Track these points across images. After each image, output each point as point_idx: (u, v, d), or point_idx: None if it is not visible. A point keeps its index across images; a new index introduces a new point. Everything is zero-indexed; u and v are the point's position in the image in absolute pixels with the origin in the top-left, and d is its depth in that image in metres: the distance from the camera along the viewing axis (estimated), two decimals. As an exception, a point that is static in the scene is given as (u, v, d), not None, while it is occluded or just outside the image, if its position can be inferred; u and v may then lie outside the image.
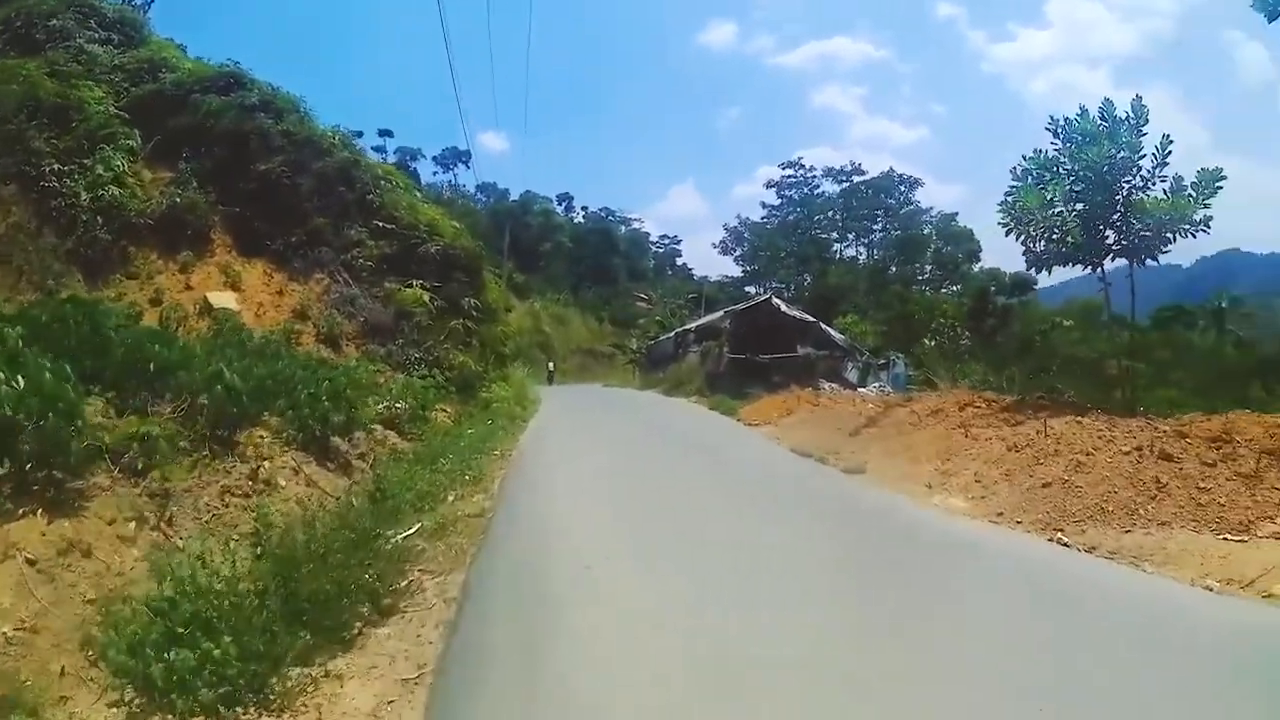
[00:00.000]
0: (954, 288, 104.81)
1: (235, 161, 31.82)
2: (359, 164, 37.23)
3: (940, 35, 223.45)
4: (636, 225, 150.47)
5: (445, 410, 29.64)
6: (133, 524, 10.73)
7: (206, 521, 12.15)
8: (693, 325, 69.18)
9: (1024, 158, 22.78)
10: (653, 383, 61.90)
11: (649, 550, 12.88)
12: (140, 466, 11.69)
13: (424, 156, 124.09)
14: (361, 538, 11.55)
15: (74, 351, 13.18)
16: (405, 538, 13.39)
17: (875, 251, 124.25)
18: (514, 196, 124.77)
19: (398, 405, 24.03)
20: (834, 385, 47.18)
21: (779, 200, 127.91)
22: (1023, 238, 22.50)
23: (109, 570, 9.72)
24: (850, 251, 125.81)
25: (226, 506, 12.83)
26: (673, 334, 73.10)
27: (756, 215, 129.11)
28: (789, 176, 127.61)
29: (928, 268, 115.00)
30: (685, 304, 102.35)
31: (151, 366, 14.16)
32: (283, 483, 14.79)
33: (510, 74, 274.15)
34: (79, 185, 24.98)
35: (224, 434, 14.34)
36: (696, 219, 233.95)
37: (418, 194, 43.60)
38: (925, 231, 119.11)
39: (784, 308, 57.74)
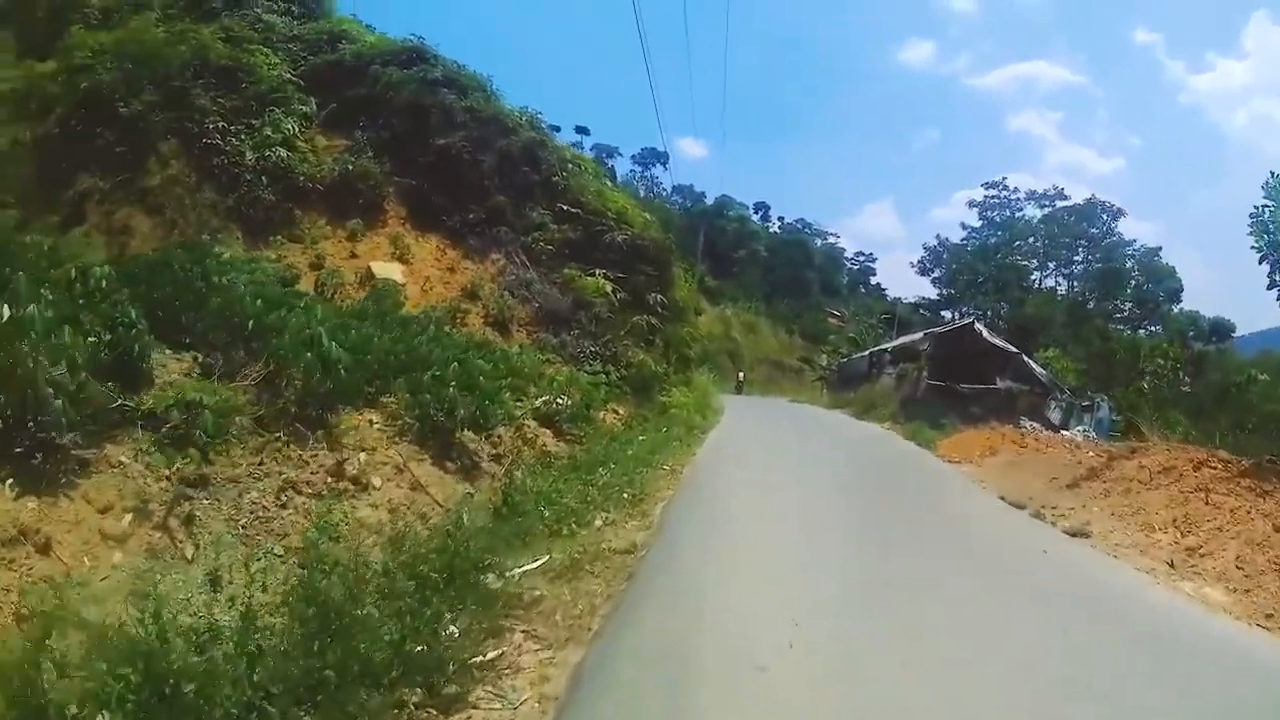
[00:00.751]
0: (1152, 328, 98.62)
1: (413, 134, 30.91)
2: (545, 145, 34.63)
3: (1137, 63, 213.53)
4: (832, 240, 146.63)
5: (616, 412, 26.54)
6: (129, 516, 7.88)
7: (245, 525, 9.13)
8: (889, 345, 64.62)
9: (1272, 174, 19.91)
10: (842, 402, 57.59)
11: (841, 643, 9.06)
12: (177, 440, 8.96)
13: (620, 155, 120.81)
14: (457, 570, 8.36)
15: (167, 301, 11.72)
16: (522, 574, 9.91)
17: (1075, 283, 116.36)
18: (710, 201, 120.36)
19: (559, 400, 20.83)
20: (1035, 424, 42.79)
21: (979, 222, 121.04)
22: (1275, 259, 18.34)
23: (68, 576, 6.99)
24: (1049, 281, 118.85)
25: (283, 507, 9.85)
26: (867, 353, 68.35)
27: (955, 237, 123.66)
28: (992, 197, 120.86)
29: (1126, 305, 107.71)
30: (878, 323, 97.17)
31: (250, 325, 12.04)
32: (377, 482, 11.75)
33: (709, 84, 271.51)
34: (245, 145, 25.24)
35: (315, 413, 11.56)
36: (891, 239, 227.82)
37: (608, 183, 40.31)
38: (1127, 265, 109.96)
39: (986, 334, 53.29)
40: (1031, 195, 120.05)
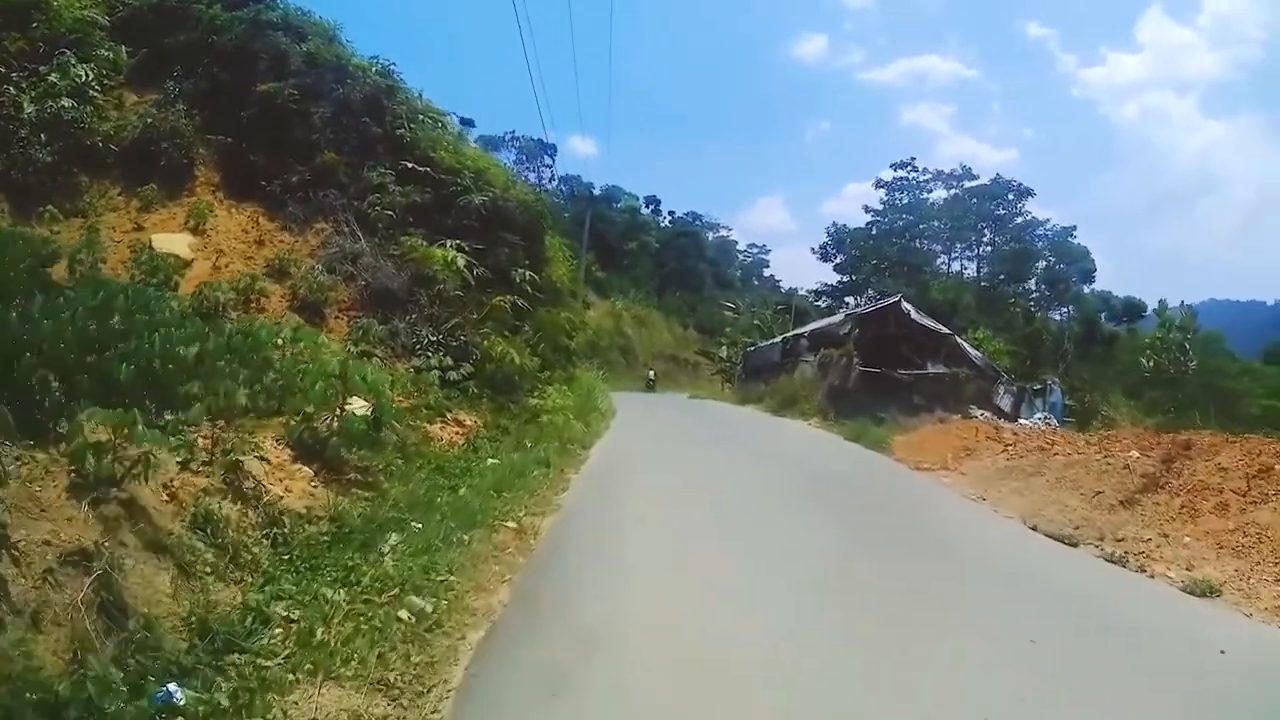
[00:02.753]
0: (1064, 309, 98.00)
1: (236, 85, 25.45)
2: (395, 93, 28.04)
3: (1030, 56, 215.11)
4: (724, 233, 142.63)
5: (460, 423, 19.63)
6: None
7: None
8: (805, 330, 56.36)
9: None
10: (752, 397, 50.91)
11: None
12: None
13: (508, 146, 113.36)
14: None
15: None
16: None
17: (983, 265, 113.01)
18: (598, 192, 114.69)
19: (351, 407, 13.16)
20: (985, 413, 37.06)
21: (881, 205, 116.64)
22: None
23: None
24: (957, 264, 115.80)
25: None
26: (778, 340, 60.41)
27: (852, 226, 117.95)
28: (899, 179, 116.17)
29: (1041, 286, 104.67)
30: (774, 314, 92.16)
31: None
32: None
33: (597, 80, 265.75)
34: (24, 96, 21.14)
35: None
36: (783, 233, 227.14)
37: (472, 145, 32.92)
38: (1038, 246, 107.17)
39: (914, 313, 46.06)
40: (939, 175, 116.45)
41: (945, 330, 46.16)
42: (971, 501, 18.45)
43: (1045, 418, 38.25)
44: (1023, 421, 35.37)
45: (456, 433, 18.63)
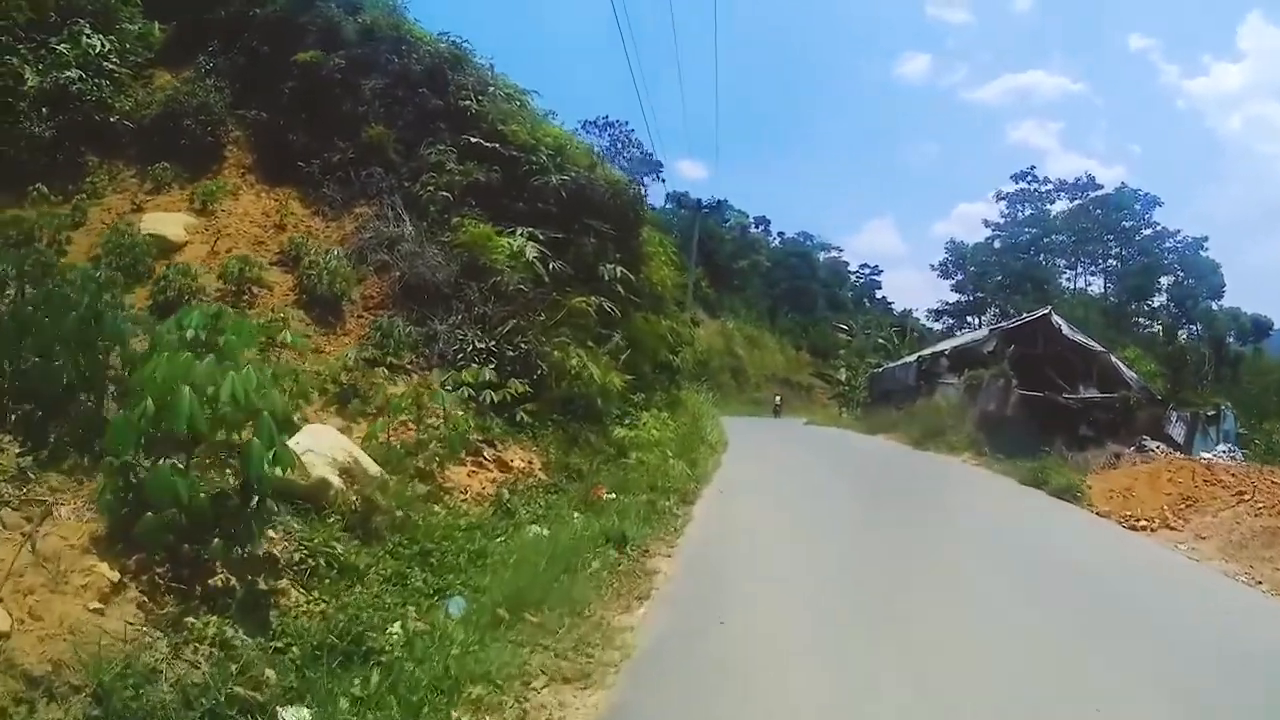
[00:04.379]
0: (1192, 326, 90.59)
1: (277, 58, 21.57)
2: (461, 64, 22.57)
3: (1133, 68, 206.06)
4: (835, 253, 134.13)
5: (506, 464, 13.82)
6: None
7: None
8: (944, 347, 49.66)
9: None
10: (882, 425, 43.72)
11: None
12: None
13: (599, 132, 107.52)
14: None
15: None
16: None
17: (1109, 280, 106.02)
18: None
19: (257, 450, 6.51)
20: (1158, 444, 30.68)
21: (1002, 219, 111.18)
22: None
23: None
24: (1080, 281, 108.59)
25: None
26: (912, 359, 53.14)
27: (970, 243, 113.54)
28: (1021, 190, 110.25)
29: (1168, 302, 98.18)
30: (888, 337, 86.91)
31: None
32: None
33: (703, 104, 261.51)
34: (29, 67, 18.56)
35: None
36: (893, 255, 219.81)
37: (556, 123, 26.79)
38: (1166, 260, 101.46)
39: (1066, 328, 39.87)
40: (1061, 185, 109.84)
41: (1099, 347, 40.10)
42: (1237, 582, 13.01)
43: (1230, 450, 31.72)
44: (1205, 455, 28.59)
45: (497, 479, 12.90)
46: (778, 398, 75.47)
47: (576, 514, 12.48)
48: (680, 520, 14.61)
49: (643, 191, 27.17)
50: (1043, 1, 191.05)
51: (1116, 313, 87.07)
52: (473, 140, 20.37)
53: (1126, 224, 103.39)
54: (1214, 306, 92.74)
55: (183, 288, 14.35)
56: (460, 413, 12.84)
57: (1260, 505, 16.60)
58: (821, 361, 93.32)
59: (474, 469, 12.85)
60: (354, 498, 9.03)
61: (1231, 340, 79.72)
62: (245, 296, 15.40)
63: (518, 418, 15.13)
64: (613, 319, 20.27)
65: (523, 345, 16.54)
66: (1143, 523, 17.78)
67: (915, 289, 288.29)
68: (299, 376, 11.18)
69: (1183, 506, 18.19)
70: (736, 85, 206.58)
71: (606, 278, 20.53)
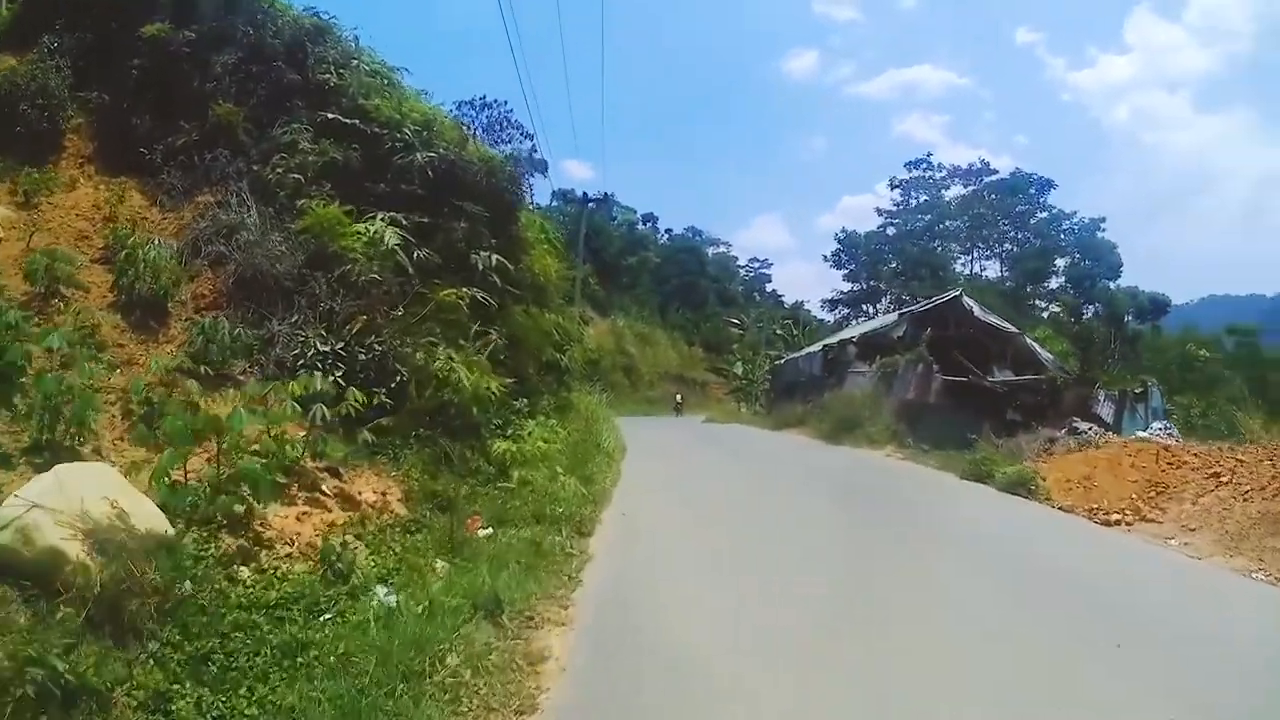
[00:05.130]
0: (1090, 306, 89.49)
1: (126, 35, 18.40)
2: (322, 36, 19.57)
3: (1020, 62, 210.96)
4: (724, 248, 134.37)
5: (351, 498, 10.87)
6: None
7: None
8: (852, 334, 47.27)
9: None
10: (790, 420, 41.34)
11: None
12: None
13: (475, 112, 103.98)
14: None
15: None
16: None
17: (1005, 265, 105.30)
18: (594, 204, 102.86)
19: None
20: (1089, 425, 28.54)
21: (894, 207, 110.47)
22: None
23: None
24: (977, 267, 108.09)
25: None
26: (818, 348, 50.04)
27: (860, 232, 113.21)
28: (916, 178, 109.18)
29: (1066, 284, 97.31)
30: (786, 328, 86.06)
31: None
32: None
33: (589, 102, 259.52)
34: None
35: None
36: (782, 249, 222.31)
37: (427, 102, 23.88)
38: (1062, 242, 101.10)
39: (978, 310, 38.79)
40: (956, 171, 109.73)
41: (1012, 329, 38.95)
42: (1255, 580, 11.52)
43: (1166, 428, 30.32)
44: (1141, 434, 27.55)
45: (336, 520, 9.90)
46: (678, 396, 73.84)
47: (440, 562, 9.77)
48: (575, 563, 11.48)
49: (519, 171, 24.30)
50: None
51: (1014, 296, 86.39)
52: (330, 117, 17.65)
53: (1021, 208, 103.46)
54: (1112, 286, 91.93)
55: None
56: (292, 435, 10.33)
57: (1246, 488, 15.37)
58: (715, 356, 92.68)
59: (307, 508, 9.86)
60: (100, 573, 6.21)
61: (1130, 319, 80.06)
62: (55, 300, 12.46)
63: (367, 438, 12.34)
64: (489, 314, 17.50)
65: (377, 346, 13.69)
66: (1115, 516, 16.23)
67: (805, 281, 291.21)
68: (79, 397, 8.73)
69: (1153, 494, 16.83)
70: (623, 83, 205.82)
71: (481, 267, 17.71)
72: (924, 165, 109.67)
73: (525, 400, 19.26)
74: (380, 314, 14.30)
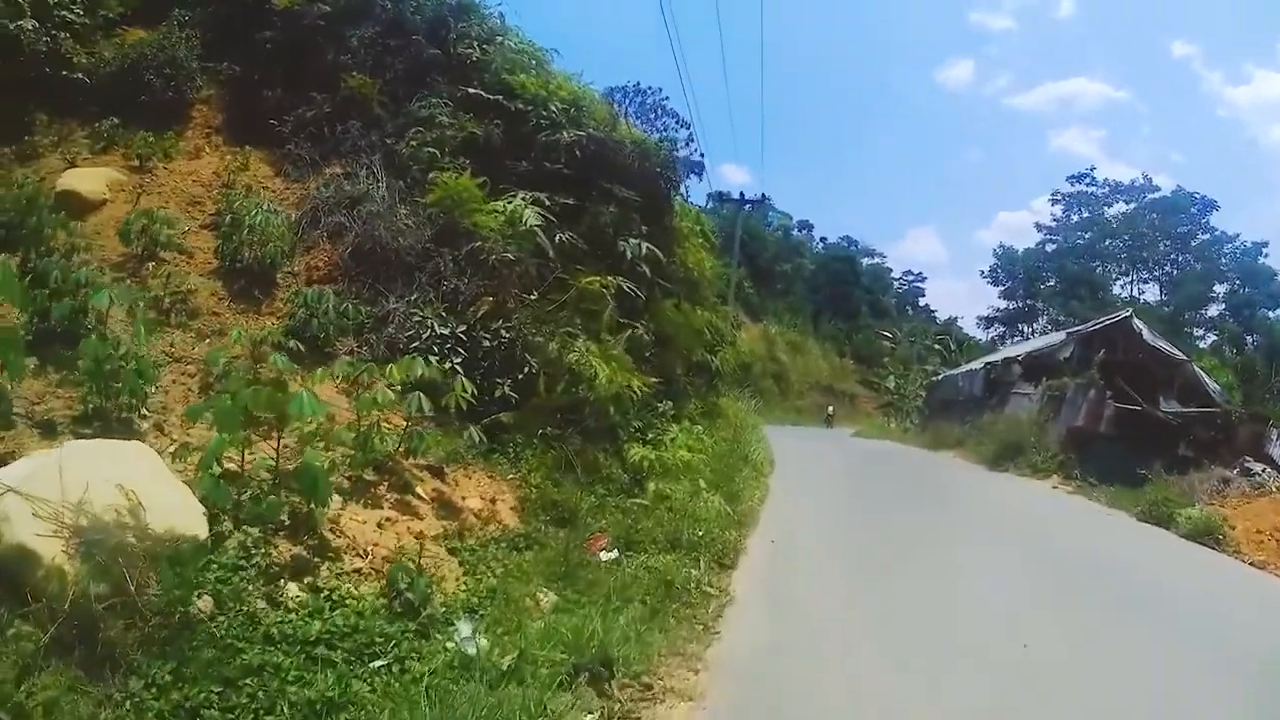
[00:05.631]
0: (1249, 337, 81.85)
1: (258, 7, 17.93)
2: (467, 12, 18.57)
3: (1176, 75, 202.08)
4: (879, 260, 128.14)
5: (451, 503, 9.19)
6: None
7: None
8: (1017, 353, 43.60)
9: None
10: (946, 440, 38.80)
11: None
12: None
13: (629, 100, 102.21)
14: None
15: None
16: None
17: (1164, 288, 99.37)
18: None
19: None
20: (1263, 466, 25.03)
21: (1054, 222, 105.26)
22: None
23: None
24: (1134, 289, 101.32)
25: None
26: (979, 365, 46.87)
27: (1019, 249, 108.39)
28: (1078, 193, 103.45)
29: (1225, 310, 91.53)
30: (944, 343, 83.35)
31: None
32: None
33: (747, 112, 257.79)
34: None
35: None
36: (936, 263, 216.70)
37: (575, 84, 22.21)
38: (1223, 266, 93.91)
39: (1146, 334, 35.29)
40: (1118, 188, 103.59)
41: (1182, 356, 35.73)
42: None
43: None
44: None
45: (426, 531, 8.13)
46: (830, 408, 70.26)
47: (547, 593, 7.91)
48: (714, 605, 9.18)
49: (673, 156, 22.15)
50: (1085, 8, 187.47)
51: (1172, 321, 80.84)
52: (471, 92, 16.53)
53: (1182, 229, 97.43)
54: (1271, 316, 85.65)
55: (67, 248, 10.64)
56: (395, 425, 8.89)
57: None
58: (865, 369, 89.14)
59: (394, 513, 8.17)
60: (78, 582, 4.68)
61: None
62: (151, 263, 11.78)
63: (473, 435, 10.42)
64: (636, 306, 15.99)
65: (504, 333, 12.11)
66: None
67: (958, 297, 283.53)
68: (134, 363, 7.38)
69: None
70: (780, 91, 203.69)
71: (629, 255, 16.11)
72: (1087, 180, 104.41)
73: (670, 403, 17.42)
74: (512, 298, 12.78)
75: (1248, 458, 25.86)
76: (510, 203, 13.94)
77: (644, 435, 15.23)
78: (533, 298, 13.16)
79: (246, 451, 7.07)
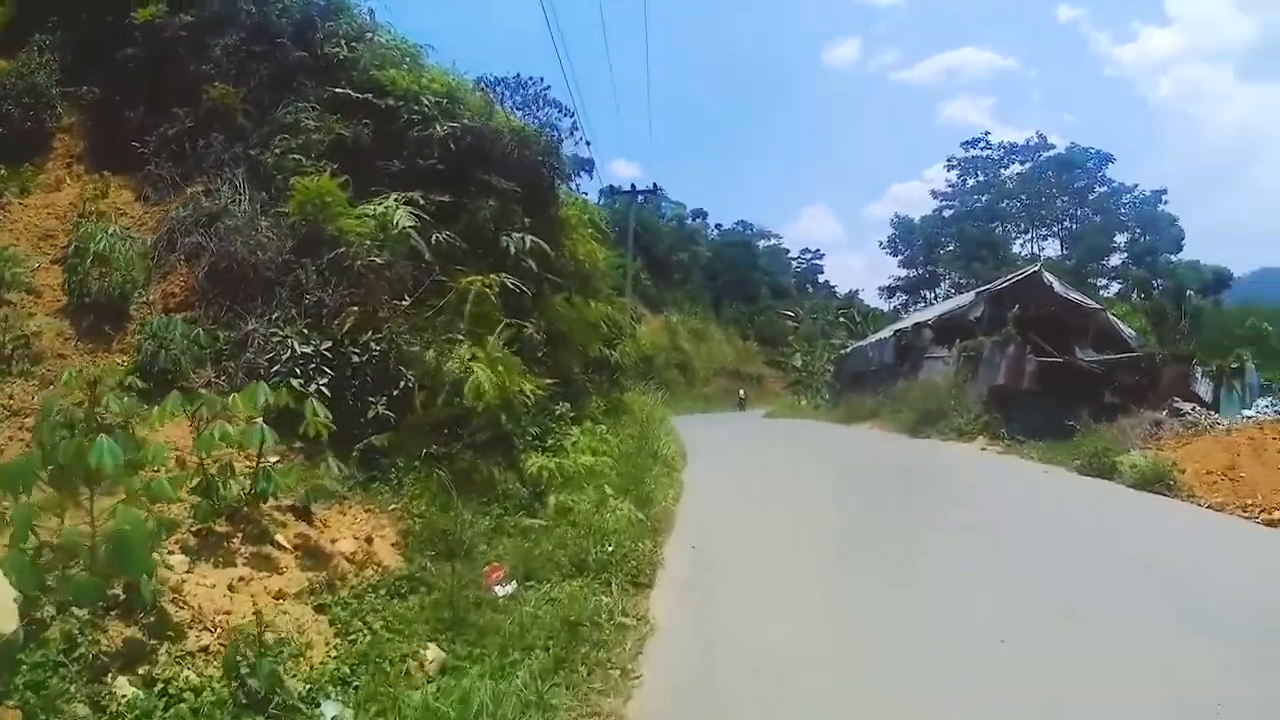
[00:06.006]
0: (1155, 282, 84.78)
1: (119, 25, 16.58)
2: (337, 13, 17.16)
3: (1063, 39, 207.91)
4: (775, 241, 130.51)
5: (320, 549, 7.80)
6: None
7: None
8: (927, 317, 43.07)
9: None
10: (859, 412, 38.40)
11: None
12: None
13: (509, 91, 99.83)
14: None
15: None
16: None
17: (1064, 243, 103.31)
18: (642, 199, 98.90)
19: None
20: (1191, 406, 25.90)
21: (949, 188, 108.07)
22: None
23: None
24: (1035, 246, 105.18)
25: None
26: (888, 334, 47.12)
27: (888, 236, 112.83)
28: (972, 158, 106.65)
29: (1124, 259, 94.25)
30: (837, 319, 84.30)
31: None
32: None
33: (634, 102, 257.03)
34: None
35: None
36: (832, 240, 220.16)
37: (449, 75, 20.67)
38: (1123, 217, 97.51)
39: (1058, 286, 35.73)
40: (1013, 149, 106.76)
41: (1095, 304, 36.21)
42: None
43: (1273, 404, 27.77)
44: (1249, 414, 25.92)
45: (286, 587, 6.92)
46: (741, 392, 71.60)
47: (431, 649, 6.62)
48: (631, 641, 7.80)
49: (555, 142, 20.78)
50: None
51: (1076, 274, 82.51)
52: (339, 92, 15.27)
53: (1079, 184, 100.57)
54: (1173, 260, 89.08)
55: None
56: (245, 463, 7.62)
57: None
58: (770, 350, 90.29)
59: (248, 571, 6.87)
60: None
61: (1192, 294, 76.46)
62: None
63: (333, 466, 8.93)
64: (524, 304, 14.81)
65: (374, 346, 10.82)
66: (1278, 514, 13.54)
67: (856, 271, 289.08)
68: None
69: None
70: (666, 83, 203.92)
71: (513, 250, 14.98)
72: (981, 145, 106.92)
73: (567, 404, 16.08)
74: (382, 306, 11.52)
75: (1175, 398, 26.88)
76: (382, 204, 12.78)
77: (543, 442, 14.02)
78: (406, 304, 11.93)
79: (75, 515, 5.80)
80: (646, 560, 10.59)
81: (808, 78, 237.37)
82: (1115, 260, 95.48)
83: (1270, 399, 29.95)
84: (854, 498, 16.77)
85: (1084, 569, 10.49)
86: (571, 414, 16.03)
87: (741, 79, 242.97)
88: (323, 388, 9.65)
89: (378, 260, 11.76)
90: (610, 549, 10.31)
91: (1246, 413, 26.48)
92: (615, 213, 72.97)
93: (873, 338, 51.60)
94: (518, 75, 65.99)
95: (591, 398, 18.97)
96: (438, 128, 15.14)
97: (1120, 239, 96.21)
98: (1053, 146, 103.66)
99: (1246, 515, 13.69)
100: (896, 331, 44.24)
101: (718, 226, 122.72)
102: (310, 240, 12.05)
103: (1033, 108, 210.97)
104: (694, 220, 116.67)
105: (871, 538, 12.72)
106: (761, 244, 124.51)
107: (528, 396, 12.52)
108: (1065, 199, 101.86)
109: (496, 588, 8.37)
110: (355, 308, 10.91)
